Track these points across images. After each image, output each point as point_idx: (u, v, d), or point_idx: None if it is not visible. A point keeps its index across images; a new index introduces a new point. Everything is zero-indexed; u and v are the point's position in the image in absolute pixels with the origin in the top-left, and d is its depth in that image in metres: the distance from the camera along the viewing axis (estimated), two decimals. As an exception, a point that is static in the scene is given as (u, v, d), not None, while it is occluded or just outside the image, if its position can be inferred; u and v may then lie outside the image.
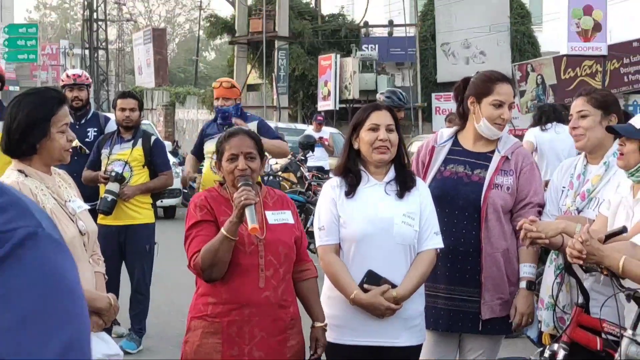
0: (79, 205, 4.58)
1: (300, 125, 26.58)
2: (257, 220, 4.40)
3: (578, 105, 5.42)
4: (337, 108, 29.28)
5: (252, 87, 34.36)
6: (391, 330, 4.83)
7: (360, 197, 4.92)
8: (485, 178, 5.29)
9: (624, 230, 4.69)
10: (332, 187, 5.02)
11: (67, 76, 9.97)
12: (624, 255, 4.37)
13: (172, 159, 22.39)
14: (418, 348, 5.03)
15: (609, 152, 5.30)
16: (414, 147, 24.17)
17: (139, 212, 8.48)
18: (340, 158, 5.24)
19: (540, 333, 5.45)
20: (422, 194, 4.95)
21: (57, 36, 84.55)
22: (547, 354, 4.93)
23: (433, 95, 32.00)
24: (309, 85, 31.61)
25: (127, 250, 8.55)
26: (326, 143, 21.82)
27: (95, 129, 9.38)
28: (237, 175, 4.56)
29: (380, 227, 4.83)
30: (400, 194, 4.88)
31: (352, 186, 4.93)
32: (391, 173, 4.95)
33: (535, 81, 31.00)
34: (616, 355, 4.59)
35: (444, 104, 31.72)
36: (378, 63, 33.46)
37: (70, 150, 4.62)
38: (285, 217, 4.76)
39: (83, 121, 9.36)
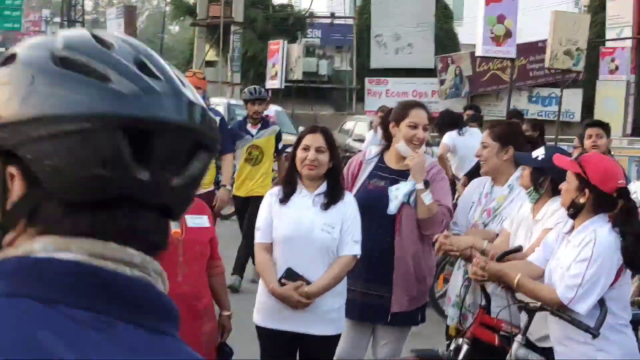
0: None
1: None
2: (179, 224, 4.43)
3: (483, 136, 5.62)
4: (283, 87, 29.20)
5: (209, 63, 33.96)
6: (307, 321, 4.86)
7: (291, 205, 4.96)
8: None
9: (519, 249, 4.81)
10: (271, 195, 5.10)
11: None
12: (519, 274, 4.43)
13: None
14: (336, 337, 5.06)
15: (513, 176, 5.42)
16: (347, 125, 24.41)
17: None
18: (284, 171, 5.32)
19: None
20: (347, 206, 4.96)
21: (40, 5, 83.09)
22: (452, 346, 5.03)
23: (366, 79, 32.03)
24: (259, 65, 31.34)
25: None
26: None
27: None
28: None
29: (301, 232, 4.87)
30: (326, 206, 4.90)
31: (286, 195, 4.98)
32: (322, 187, 4.96)
33: (454, 72, 31.26)
34: (507, 356, 4.67)
35: (375, 87, 31.85)
36: (320, 47, 33.51)
37: None
38: (202, 221, 4.72)
39: None
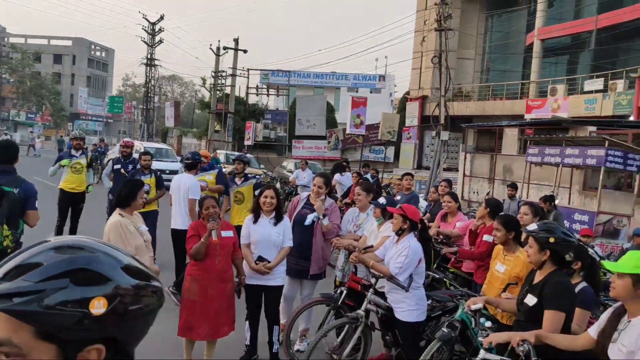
0: (144, 228, 4.31)
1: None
2: (218, 236, 4.37)
3: (357, 189, 5.45)
4: (253, 144, 28.81)
5: (217, 131, 33.14)
6: (268, 279, 4.75)
7: (259, 224, 4.82)
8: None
9: (371, 246, 4.78)
10: (248, 218, 4.89)
11: (124, 141, 9.45)
12: (372, 261, 4.44)
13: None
14: (282, 286, 4.95)
15: (369, 208, 5.38)
16: (284, 163, 24.11)
17: (152, 205, 7.61)
18: (253, 205, 5.12)
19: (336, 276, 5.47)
20: (285, 223, 4.87)
21: (131, 97, 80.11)
22: (338, 291, 4.95)
23: (293, 140, 31.76)
24: (241, 133, 30.84)
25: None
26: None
27: (132, 165, 8.85)
28: (210, 214, 4.45)
29: (265, 237, 4.76)
30: (275, 224, 4.80)
31: (256, 219, 4.83)
32: (273, 214, 4.84)
33: (335, 138, 31.29)
34: (366, 299, 4.66)
35: (297, 144, 31.52)
36: (271, 124, 33.17)
37: (142, 203, 4.34)
38: (229, 233, 4.60)
39: (128, 161, 8.80)
